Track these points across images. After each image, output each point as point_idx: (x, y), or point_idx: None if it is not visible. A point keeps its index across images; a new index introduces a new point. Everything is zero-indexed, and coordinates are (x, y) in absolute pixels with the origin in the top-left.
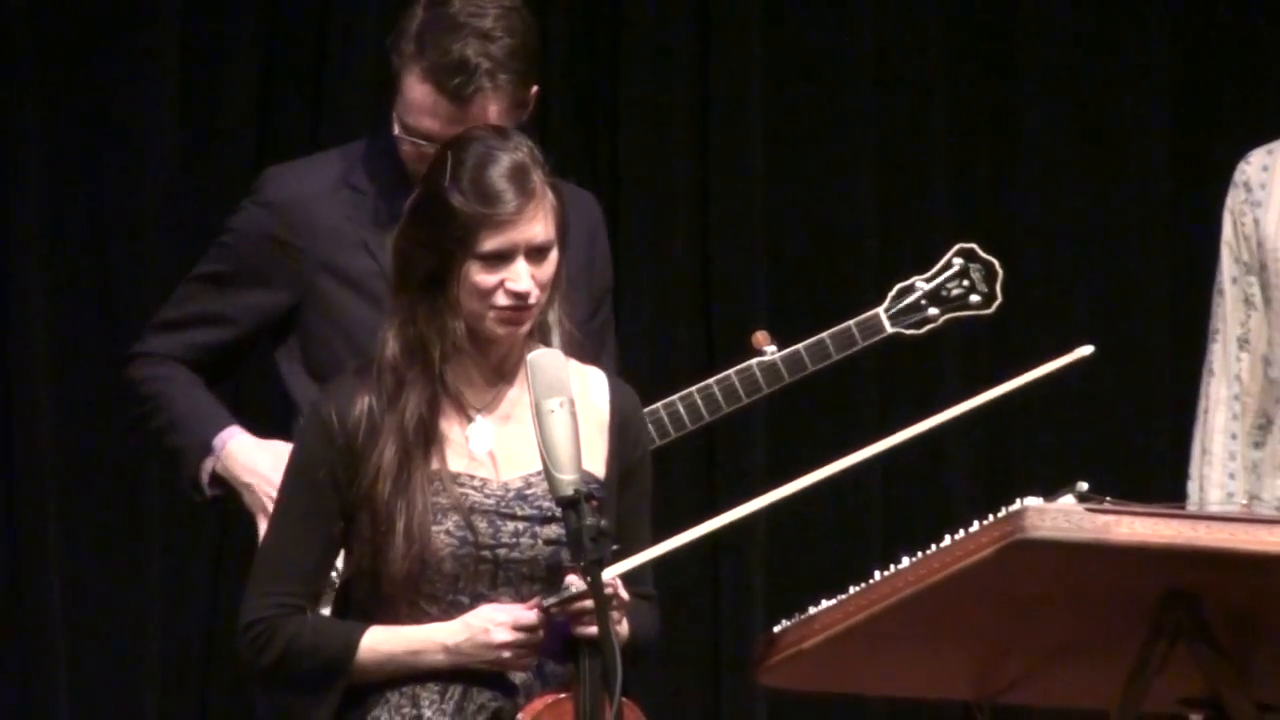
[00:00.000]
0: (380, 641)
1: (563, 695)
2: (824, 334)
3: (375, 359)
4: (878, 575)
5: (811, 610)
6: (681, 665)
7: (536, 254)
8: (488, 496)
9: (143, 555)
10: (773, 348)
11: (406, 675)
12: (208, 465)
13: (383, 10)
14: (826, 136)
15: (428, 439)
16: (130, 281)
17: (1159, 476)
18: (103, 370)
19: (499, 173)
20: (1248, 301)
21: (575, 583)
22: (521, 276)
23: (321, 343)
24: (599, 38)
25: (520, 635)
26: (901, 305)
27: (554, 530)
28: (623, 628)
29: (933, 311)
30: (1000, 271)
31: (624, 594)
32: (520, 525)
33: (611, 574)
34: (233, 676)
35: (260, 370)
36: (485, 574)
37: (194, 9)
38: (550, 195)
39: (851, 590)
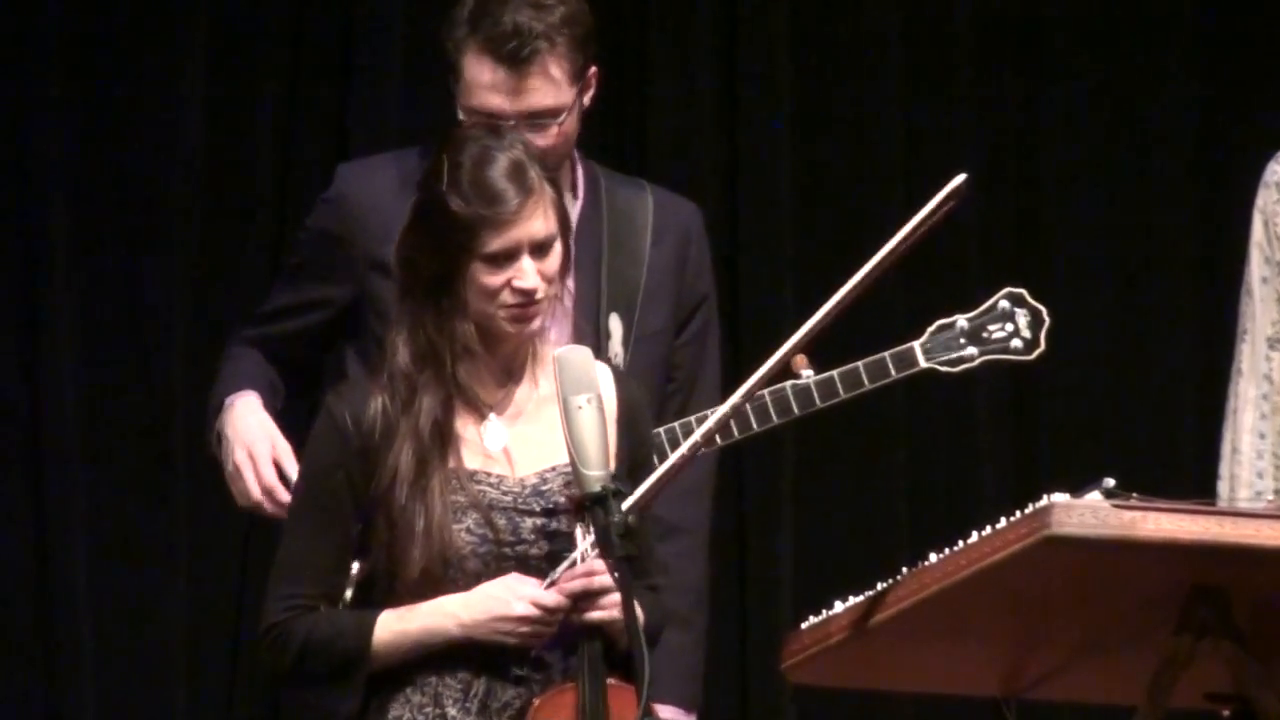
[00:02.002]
0: (395, 621)
1: (566, 685)
2: (859, 363)
3: (386, 365)
4: (905, 571)
5: (839, 607)
6: (708, 661)
7: (539, 249)
8: (505, 494)
9: (170, 553)
10: (809, 372)
11: (424, 656)
12: (215, 423)
13: (410, 2)
14: (854, 132)
15: (443, 440)
16: (157, 277)
17: (1185, 472)
18: (130, 368)
19: (498, 172)
20: (1279, 302)
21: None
22: (528, 274)
23: (377, 341)
24: (626, 34)
25: (536, 613)
26: (939, 341)
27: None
28: (605, 615)
29: (970, 351)
30: (1047, 320)
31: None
32: (539, 521)
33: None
34: (259, 674)
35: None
36: (508, 570)
37: (222, 9)
38: (549, 189)
39: (878, 586)
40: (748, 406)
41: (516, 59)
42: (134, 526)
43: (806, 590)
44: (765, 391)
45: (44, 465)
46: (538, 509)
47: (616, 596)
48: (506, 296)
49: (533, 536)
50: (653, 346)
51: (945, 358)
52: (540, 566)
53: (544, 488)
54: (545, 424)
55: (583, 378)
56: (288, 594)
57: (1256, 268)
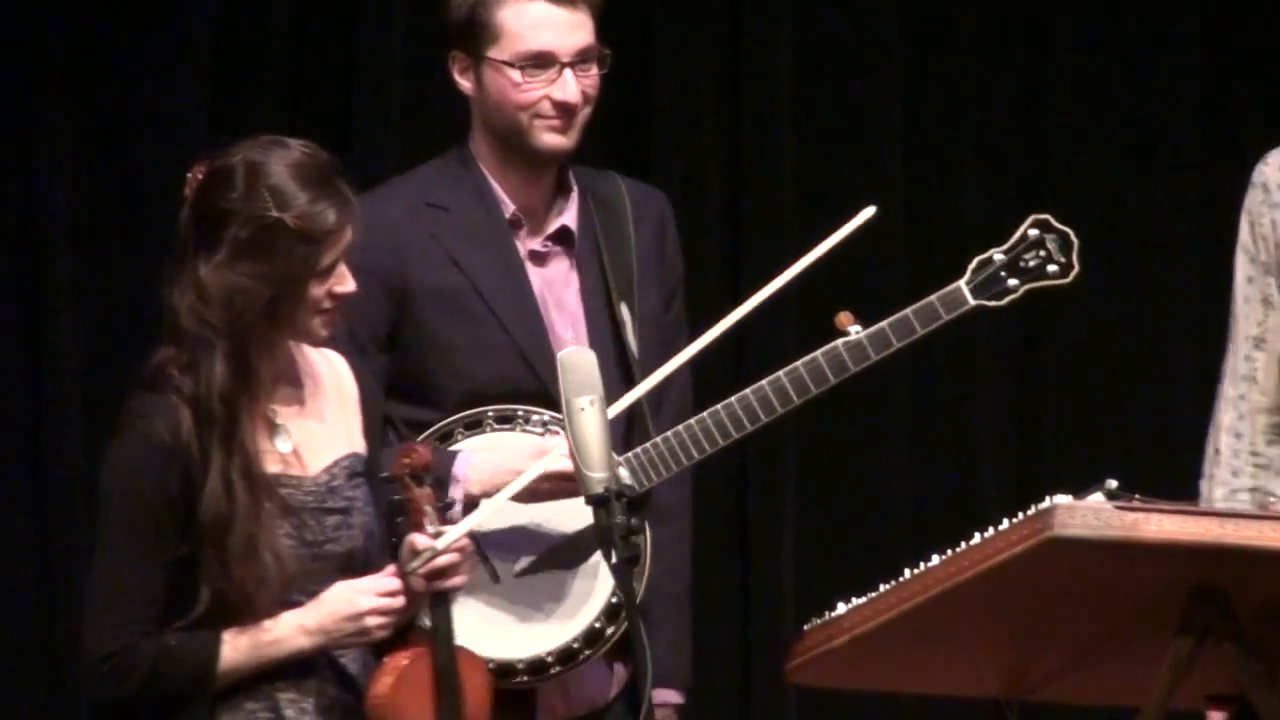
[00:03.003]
0: (240, 642)
1: (421, 650)
2: (907, 310)
3: (199, 384)
4: (907, 573)
5: (841, 608)
6: (710, 663)
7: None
8: (306, 494)
9: None
10: (857, 327)
11: (272, 668)
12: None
13: (411, 1)
14: (857, 129)
15: (256, 454)
16: (158, 277)
17: (1188, 474)
18: (131, 367)
19: (312, 185)
20: (1266, 301)
21: (425, 543)
22: (348, 279)
23: (414, 362)
24: (628, 34)
25: (383, 601)
26: (982, 277)
27: (361, 519)
28: (460, 580)
29: (1013, 282)
30: (1075, 241)
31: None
32: (338, 519)
33: (458, 532)
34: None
35: None
36: (317, 571)
37: (223, 9)
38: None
39: (881, 588)
40: (802, 368)
41: None
42: None
43: (809, 592)
44: (818, 353)
45: (45, 465)
46: (335, 506)
47: (466, 566)
48: (329, 303)
49: (335, 534)
50: (654, 330)
51: (991, 291)
52: (340, 563)
53: (334, 484)
54: (321, 419)
55: (585, 380)
56: (123, 620)
57: (1242, 269)
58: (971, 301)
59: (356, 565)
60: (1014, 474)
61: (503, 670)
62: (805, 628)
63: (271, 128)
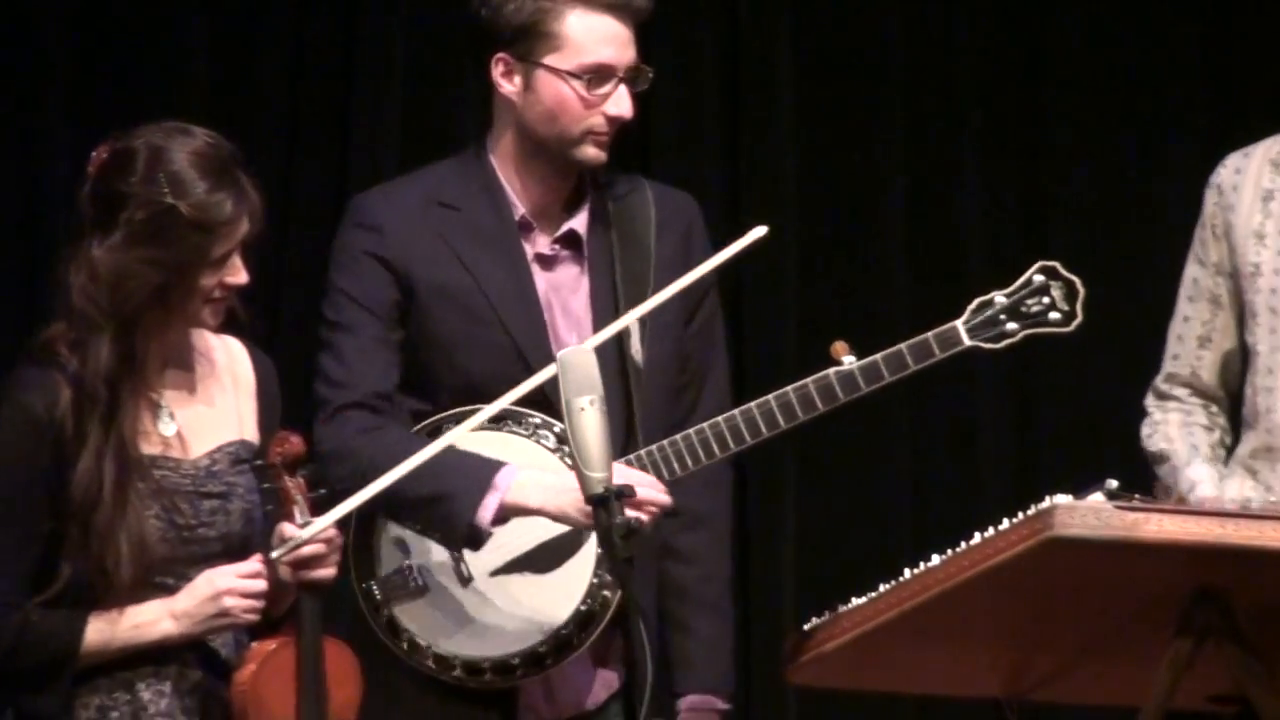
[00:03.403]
0: (104, 624)
1: (290, 639)
2: (902, 345)
3: (83, 365)
4: (908, 573)
5: (841, 608)
6: None
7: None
8: (184, 477)
9: None
10: (851, 358)
11: (134, 653)
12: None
13: (412, 2)
14: (857, 124)
15: (134, 436)
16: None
17: None
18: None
19: (211, 175)
20: (1214, 301)
21: (292, 532)
22: (241, 271)
23: (413, 351)
24: None
25: (245, 584)
26: (980, 319)
27: (242, 504)
28: (329, 572)
29: (1011, 326)
30: (1081, 290)
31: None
32: (215, 503)
33: (323, 523)
34: None
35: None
36: (188, 554)
37: (224, 8)
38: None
39: (881, 588)
40: (792, 395)
41: (626, 9)
42: None
43: (809, 592)
44: (809, 380)
45: None
46: (214, 490)
47: (334, 558)
48: (220, 293)
49: (211, 519)
50: (666, 340)
51: (988, 334)
52: (214, 548)
53: (215, 469)
54: (211, 404)
55: (585, 380)
56: None
57: (1191, 268)
58: (967, 343)
59: (234, 550)
60: (1014, 474)
61: (469, 668)
62: (805, 627)
63: (271, 128)
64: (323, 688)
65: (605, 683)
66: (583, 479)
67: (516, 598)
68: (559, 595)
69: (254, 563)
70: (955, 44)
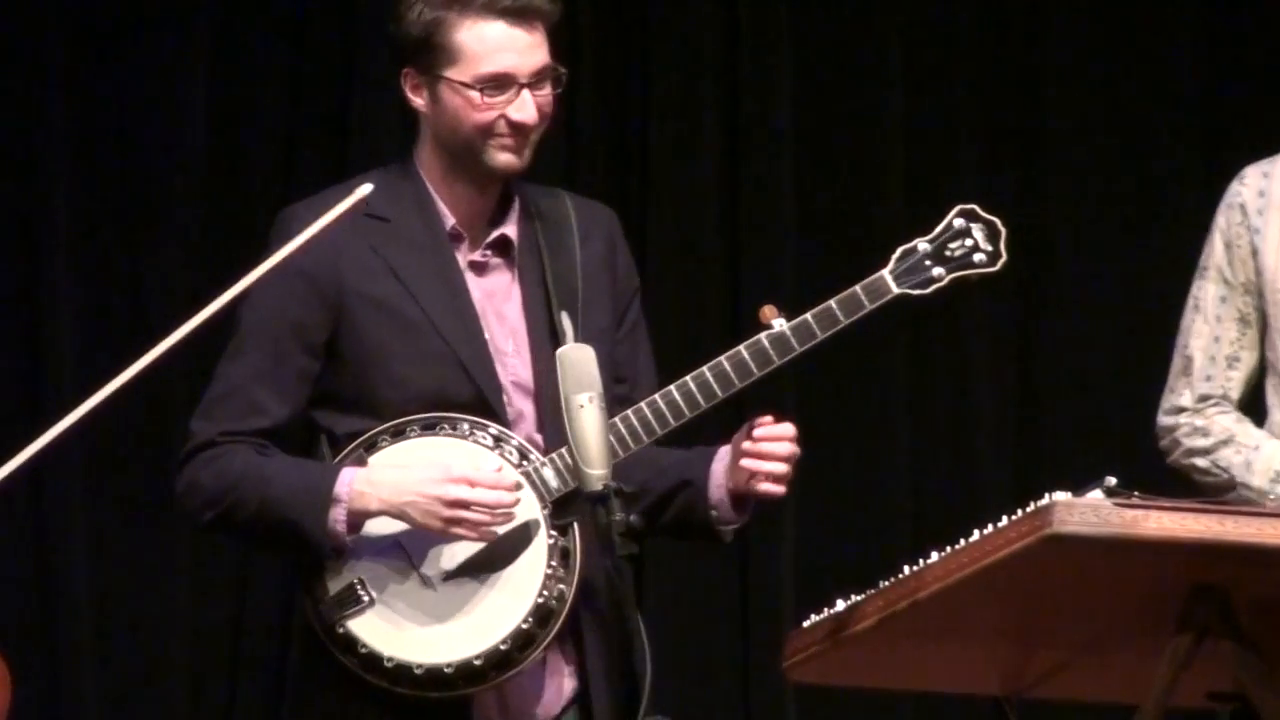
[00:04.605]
0: None
1: None
2: (830, 301)
3: None
4: (906, 570)
5: (840, 605)
6: (710, 661)
7: None
8: None
9: (170, 553)
10: (780, 320)
11: None
12: (334, 514)
13: None
14: (856, 131)
15: None
16: (158, 278)
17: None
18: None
19: None
20: (1242, 320)
21: None
22: None
23: (353, 370)
24: (628, 37)
25: None
26: (906, 265)
27: None
28: None
29: (938, 271)
30: (1003, 230)
31: None
32: None
33: None
34: (260, 666)
35: None
36: None
37: (224, 9)
38: None
39: (880, 585)
40: (725, 363)
41: (523, 14)
42: (134, 527)
43: (808, 588)
44: (741, 346)
45: (44, 465)
46: None
47: None
48: None
49: None
50: (600, 345)
51: (914, 280)
52: None
53: None
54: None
55: (584, 377)
56: None
57: (1214, 287)
58: (895, 290)
59: None
60: (1013, 471)
61: (432, 675)
62: (804, 624)
63: (271, 128)
64: None
65: (559, 692)
66: (582, 476)
67: (472, 598)
68: (516, 591)
69: None
70: (955, 44)
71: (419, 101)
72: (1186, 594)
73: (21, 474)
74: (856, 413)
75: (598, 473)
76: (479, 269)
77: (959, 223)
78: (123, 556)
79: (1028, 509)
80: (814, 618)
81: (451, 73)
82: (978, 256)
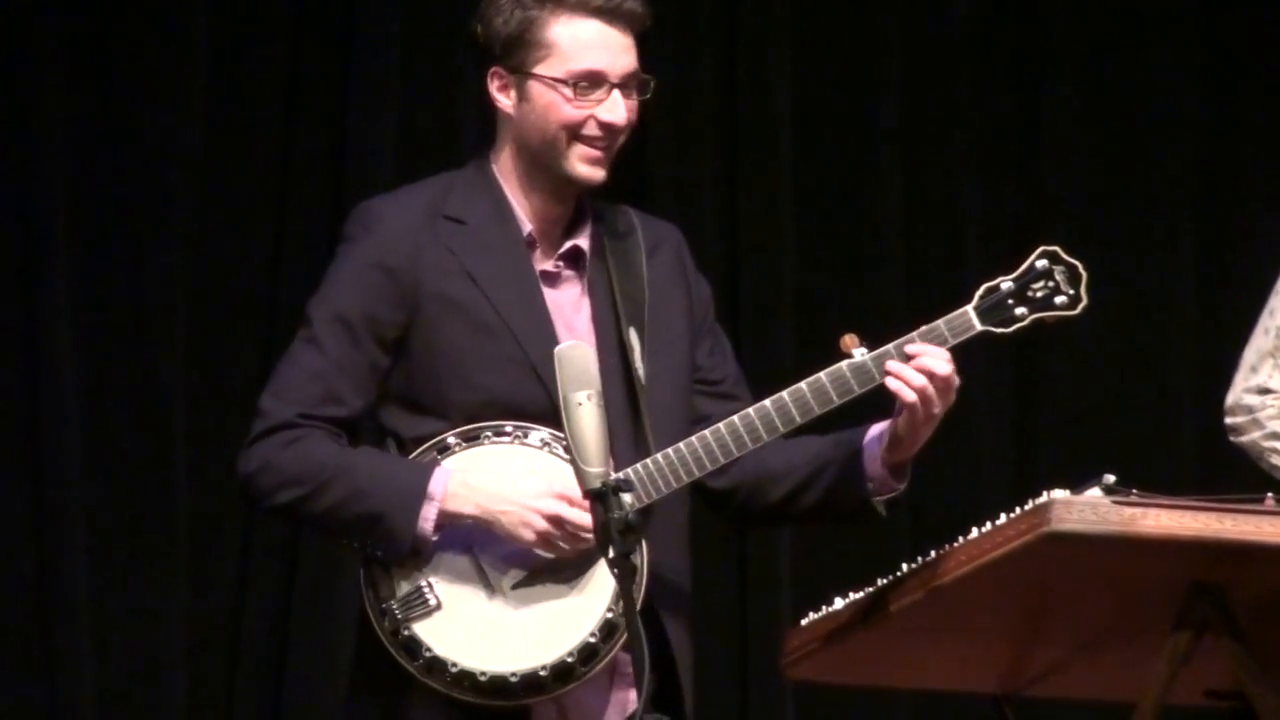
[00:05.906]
0: None
1: None
2: (914, 333)
3: None
4: (905, 568)
5: (839, 603)
6: (708, 659)
7: None
8: None
9: (170, 552)
10: (862, 350)
11: None
12: (426, 512)
13: (409, 3)
14: (855, 130)
15: None
16: (157, 278)
17: (1185, 469)
18: (130, 367)
19: None
20: None
21: None
22: None
23: (424, 370)
24: None
25: None
26: (989, 303)
27: None
28: None
29: (1020, 311)
30: (1084, 274)
31: None
32: None
33: None
34: (259, 665)
35: None
36: None
37: (223, 9)
38: None
39: (878, 583)
40: (806, 388)
41: (616, 14)
42: (134, 526)
43: (806, 586)
44: (823, 374)
45: (43, 465)
46: None
47: None
48: None
49: None
50: (670, 354)
51: (998, 318)
52: None
53: None
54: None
55: (582, 375)
56: None
57: None
58: (979, 327)
59: None
60: (1012, 469)
61: (496, 684)
62: (802, 622)
63: (270, 128)
64: None
65: (619, 705)
66: (581, 474)
67: (540, 609)
68: (584, 604)
69: None
70: (954, 45)
71: (505, 102)
72: (1184, 591)
73: (21, 473)
74: (856, 411)
75: (595, 470)
76: (551, 279)
77: (1042, 264)
78: (121, 556)
79: (1026, 507)
80: (812, 616)
81: (543, 69)
82: (1059, 299)
